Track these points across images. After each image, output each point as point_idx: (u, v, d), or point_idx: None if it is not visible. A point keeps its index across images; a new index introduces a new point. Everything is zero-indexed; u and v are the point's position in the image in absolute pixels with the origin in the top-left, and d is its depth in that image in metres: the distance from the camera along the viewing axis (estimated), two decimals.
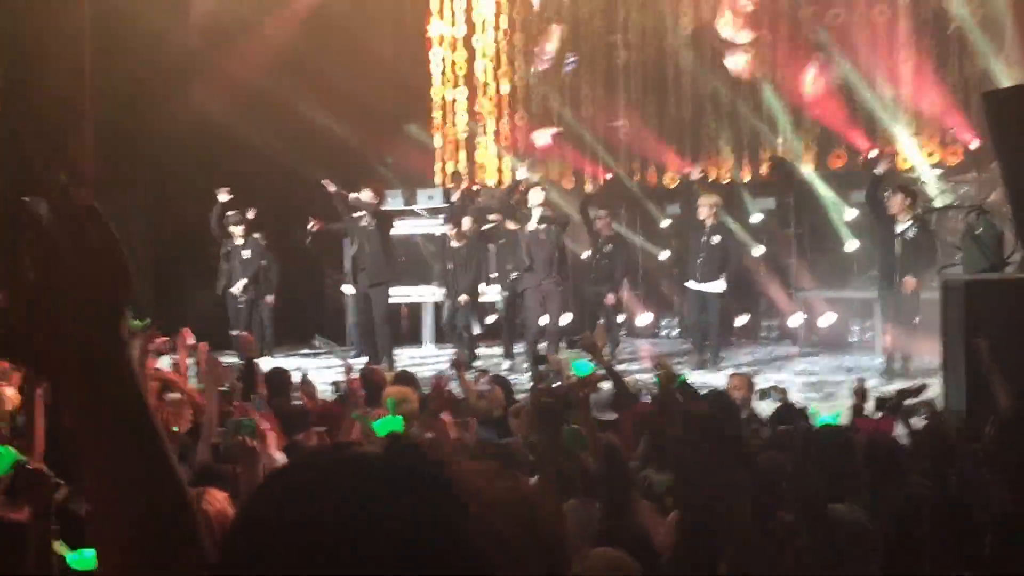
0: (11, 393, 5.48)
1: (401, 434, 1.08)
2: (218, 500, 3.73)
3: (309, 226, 13.05)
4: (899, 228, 10.85)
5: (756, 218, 15.00)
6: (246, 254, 13.47)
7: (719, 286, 12.09)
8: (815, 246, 14.62)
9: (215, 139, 14.46)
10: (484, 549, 1.13)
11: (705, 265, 12.16)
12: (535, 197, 12.33)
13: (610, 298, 13.17)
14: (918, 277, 10.68)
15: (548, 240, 12.35)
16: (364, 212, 12.26)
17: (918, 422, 5.74)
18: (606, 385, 6.79)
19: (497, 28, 17.88)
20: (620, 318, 14.81)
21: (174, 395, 5.78)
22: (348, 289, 14.34)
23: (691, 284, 12.42)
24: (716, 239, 12.12)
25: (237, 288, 13.44)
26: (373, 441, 5.07)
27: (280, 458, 4.39)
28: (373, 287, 12.26)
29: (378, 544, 1.08)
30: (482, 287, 13.83)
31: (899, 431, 5.70)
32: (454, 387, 7.14)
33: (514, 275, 12.99)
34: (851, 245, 13.68)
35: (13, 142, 13.79)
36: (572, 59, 16.91)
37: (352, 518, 1.09)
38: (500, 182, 17.25)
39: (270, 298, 13.80)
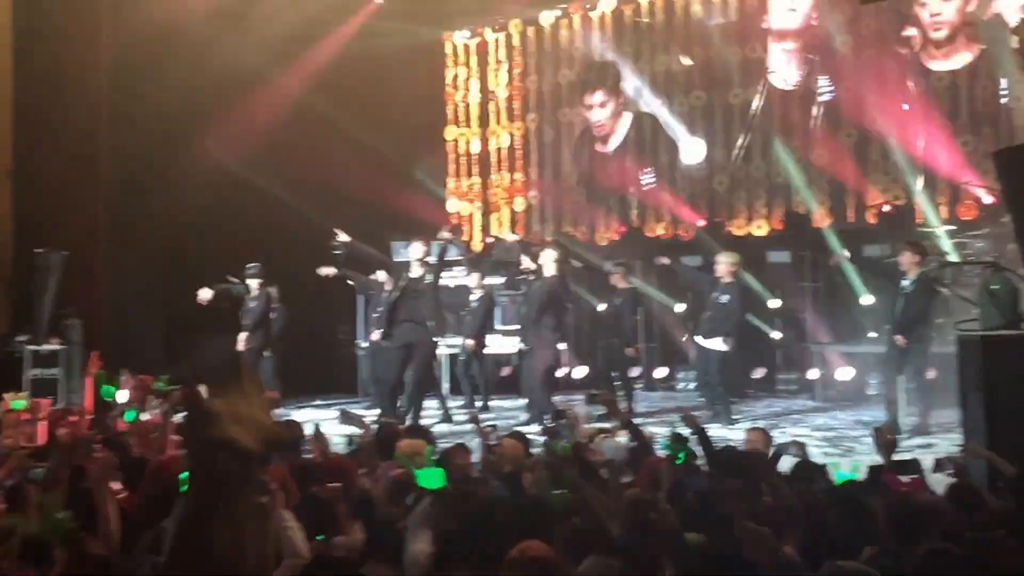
0: None
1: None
2: None
3: (340, 238, 12.43)
4: (903, 283, 10.80)
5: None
6: (252, 305, 13.37)
7: (719, 344, 11.97)
8: (831, 299, 14.59)
9: (228, 190, 14.56)
10: None
11: (710, 322, 12.07)
12: (547, 255, 12.28)
13: (629, 351, 13.13)
14: (909, 331, 10.62)
15: (532, 298, 12.35)
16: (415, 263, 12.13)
17: (944, 478, 5.72)
18: (622, 439, 6.74)
19: (511, 81, 18.00)
20: (636, 371, 14.76)
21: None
22: (364, 343, 14.32)
23: (697, 339, 12.36)
24: (724, 298, 11.99)
25: (241, 341, 13.31)
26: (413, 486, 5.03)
27: (289, 517, 4.35)
28: (430, 341, 12.17)
29: None
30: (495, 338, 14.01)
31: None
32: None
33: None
34: (866, 299, 13.61)
35: (30, 194, 13.92)
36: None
37: None
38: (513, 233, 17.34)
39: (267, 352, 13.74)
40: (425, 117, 18.03)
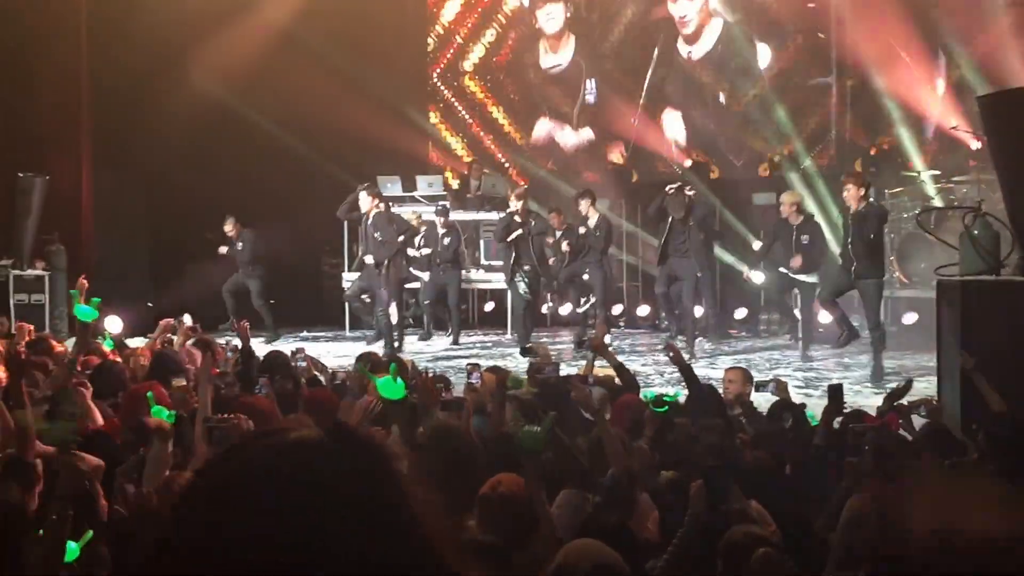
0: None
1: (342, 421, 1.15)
2: None
3: None
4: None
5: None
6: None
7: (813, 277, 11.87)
8: None
9: (214, 119, 14.43)
10: (422, 523, 1.18)
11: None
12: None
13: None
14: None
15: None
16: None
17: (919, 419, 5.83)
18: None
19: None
20: (618, 309, 14.96)
21: (179, 381, 5.81)
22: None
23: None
24: (805, 238, 11.84)
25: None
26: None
27: None
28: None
29: (323, 526, 1.11)
30: None
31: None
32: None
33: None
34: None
35: (13, 121, 13.79)
36: None
37: (295, 504, 1.12)
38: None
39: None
40: (413, 50, 17.94)
